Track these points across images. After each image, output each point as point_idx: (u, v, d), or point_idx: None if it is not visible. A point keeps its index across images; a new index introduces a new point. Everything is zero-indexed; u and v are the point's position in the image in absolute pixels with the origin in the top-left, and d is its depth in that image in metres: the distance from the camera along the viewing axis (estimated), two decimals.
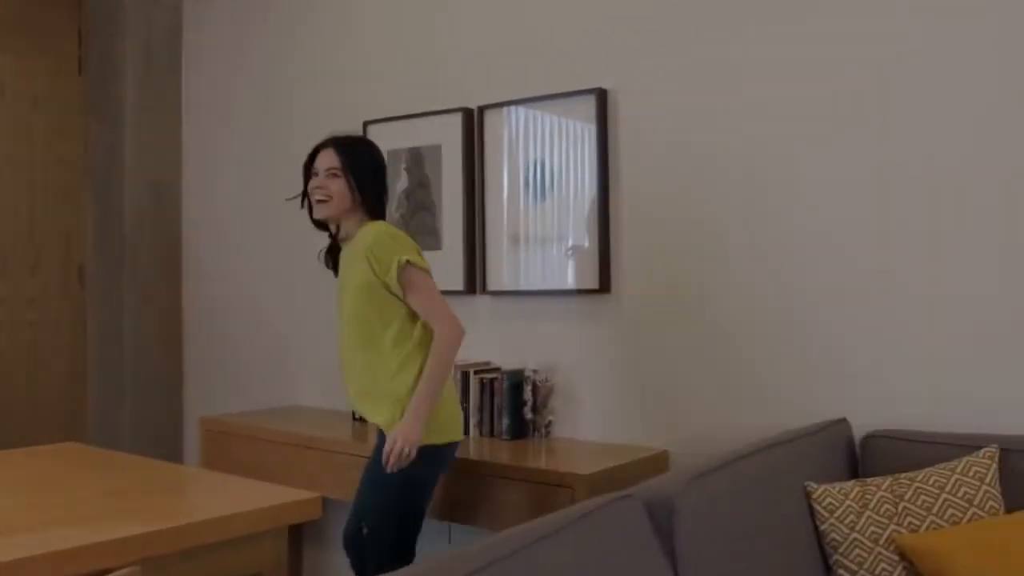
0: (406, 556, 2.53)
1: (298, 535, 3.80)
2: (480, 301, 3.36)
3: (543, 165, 3.18)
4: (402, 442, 2.39)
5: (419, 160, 3.50)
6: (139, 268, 4.21)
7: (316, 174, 2.62)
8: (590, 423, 3.08)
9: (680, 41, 2.90)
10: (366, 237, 2.52)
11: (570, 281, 3.11)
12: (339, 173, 2.58)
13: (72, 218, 4.31)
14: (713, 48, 2.84)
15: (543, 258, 3.18)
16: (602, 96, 3.05)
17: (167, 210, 4.32)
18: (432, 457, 2.49)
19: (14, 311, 4.13)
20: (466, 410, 3.16)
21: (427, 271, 2.54)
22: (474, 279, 3.35)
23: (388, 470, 2.41)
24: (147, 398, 4.21)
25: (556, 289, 3.14)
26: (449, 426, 2.54)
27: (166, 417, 4.26)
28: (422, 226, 3.49)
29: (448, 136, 3.41)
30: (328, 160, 2.60)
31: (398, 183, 3.55)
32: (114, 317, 4.23)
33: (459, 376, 3.17)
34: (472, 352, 3.31)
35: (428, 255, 3.40)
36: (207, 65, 4.30)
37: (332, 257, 2.76)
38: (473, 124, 3.36)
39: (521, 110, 3.23)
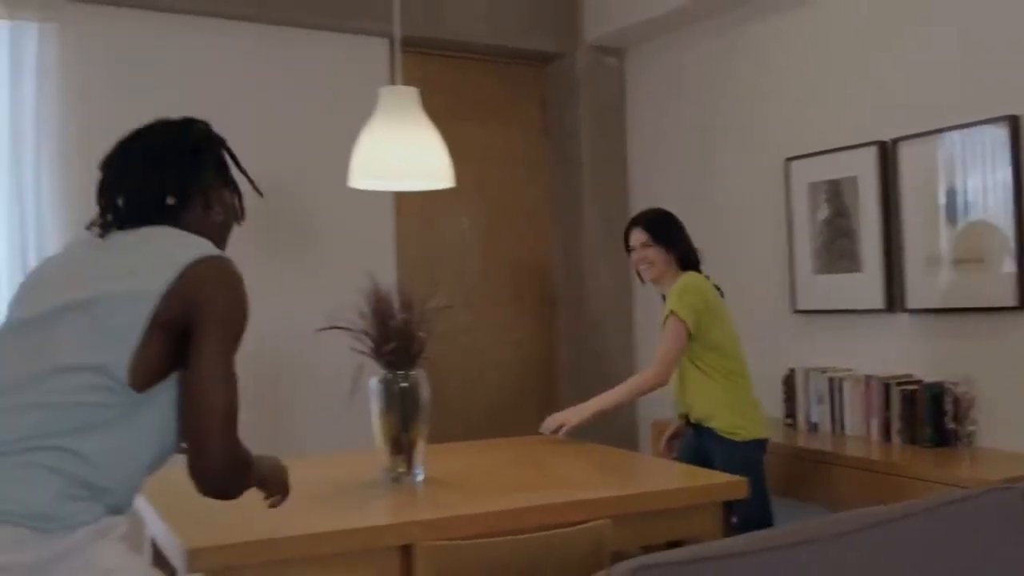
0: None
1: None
2: (899, 319, 3.61)
3: (955, 190, 3.38)
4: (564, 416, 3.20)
5: (837, 191, 3.84)
6: (598, 295, 4.97)
7: (633, 249, 3.32)
8: (1014, 435, 3.21)
9: None
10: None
11: (987, 300, 3.28)
12: (650, 243, 3.26)
13: (544, 252, 5.20)
14: None
15: (958, 279, 3.37)
16: (1014, 123, 3.20)
17: (619, 244, 5.04)
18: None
19: (503, 329, 5.07)
20: (887, 419, 3.44)
21: (685, 322, 3.09)
22: (892, 298, 3.62)
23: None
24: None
25: (971, 307, 3.32)
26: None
27: (624, 419, 4.97)
28: (842, 251, 3.82)
29: (864, 167, 3.72)
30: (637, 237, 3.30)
31: (818, 212, 3.92)
32: (578, 334, 5.03)
33: (883, 388, 3.45)
34: (892, 366, 3.57)
35: (847, 277, 3.75)
36: (646, 116, 4.97)
37: None
38: (887, 155, 3.64)
39: (933, 140, 3.45)
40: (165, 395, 1.67)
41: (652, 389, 3.17)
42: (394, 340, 2.65)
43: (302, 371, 4.36)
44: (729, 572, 1.62)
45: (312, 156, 4.46)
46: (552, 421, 3.25)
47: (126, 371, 1.60)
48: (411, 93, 3.12)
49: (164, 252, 1.69)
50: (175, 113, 1.95)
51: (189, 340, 1.65)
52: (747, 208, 4.32)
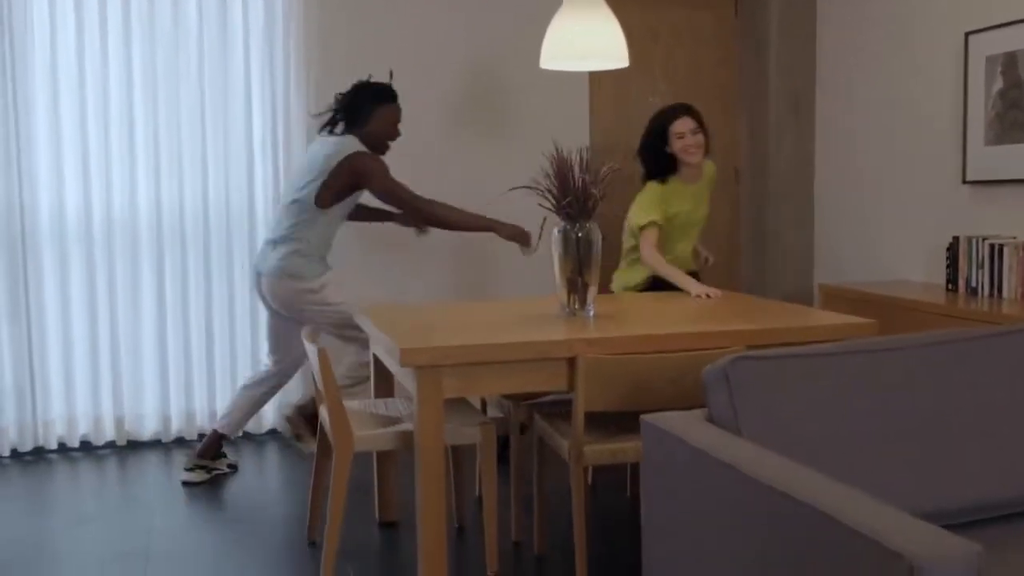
0: None
1: None
2: None
3: None
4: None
5: (1013, 62, 3.93)
6: (779, 170, 5.24)
7: (683, 136, 3.91)
8: None
9: None
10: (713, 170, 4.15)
11: None
12: (699, 131, 3.92)
13: (730, 131, 5.48)
14: None
15: None
16: None
17: (803, 120, 5.26)
18: None
19: None
20: None
21: None
22: None
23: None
24: (784, 271, 5.27)
25: None
26: None
27: (798, 285, 5.28)
28: (1013, 122, 3.93)
29: None
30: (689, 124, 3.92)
31: (994, 85, 4.02)
32: (759, 208, 5.33)
33: None
34: None
35: (1017, 148, 3.89)
36: None
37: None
38: None
39: None
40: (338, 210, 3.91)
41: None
42: (571, 195, 3.12)
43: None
44: (813, 366, 2.03)
45: (514, 42, 4.96)
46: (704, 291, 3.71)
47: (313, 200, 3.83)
48: None
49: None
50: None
51: (358, 187, 3.91)
52: (926, 82, 4.44)
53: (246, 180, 4.69)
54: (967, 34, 4.16)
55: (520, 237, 3.97)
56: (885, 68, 4.73)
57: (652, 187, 4.00)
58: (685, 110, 3.97)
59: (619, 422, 2.94)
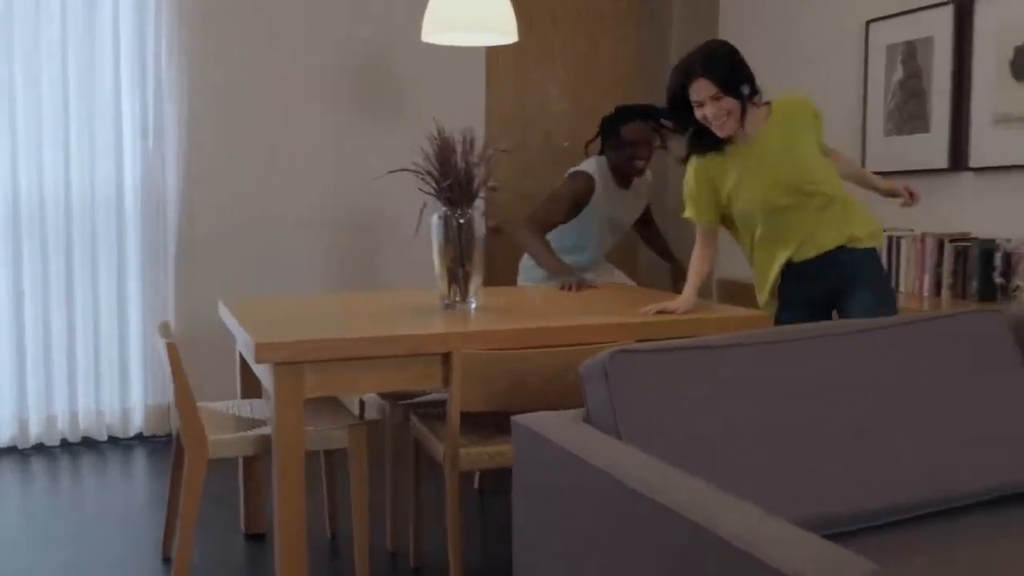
0: None
1: None
2: (962, 177, 3.65)
3: None
4: None
5: (913, 51, 3.84)
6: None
7: (701, 104, 2.74)
8: None
9: None
10: (793, 105, 2.86)
11: None
12: (721, 96, 2.72)
13: None
14: None
15: (1021, 136, 3.38)
16: None
17: None
18: None
19: None
20: (939, 275, 3.52)
21: None
22: (957, 157, 3.65)
23: None
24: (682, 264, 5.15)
25: None
26: None
27: None
28: (912, 112, 3.84)
29: (940, 27, 3.70)
30: (705, 89, 2.72)
31: (894, 75, 3.93)
32: (658, 195, 5.19)
33: (937, 245, 3.53)
34: (953, 225, 3.63)
35: (915, 138, 3.79)
36: None
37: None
38: (963, 14, 3.62)
39: None
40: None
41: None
42: (452, 179, 2.89)
43: (385, 212, 4.70)
44: (696, 360, 1.84)
45: (404, 16, 4.70)
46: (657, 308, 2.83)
47: None
48: None
49: None
50: None
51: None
52: (826, 71, 4.34)
53: (114, 167, 4.33)
54: (868, 22, 4.06)
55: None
56: (786, 54, 4.62)
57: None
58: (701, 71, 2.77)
59: (500, 422, 2.73)
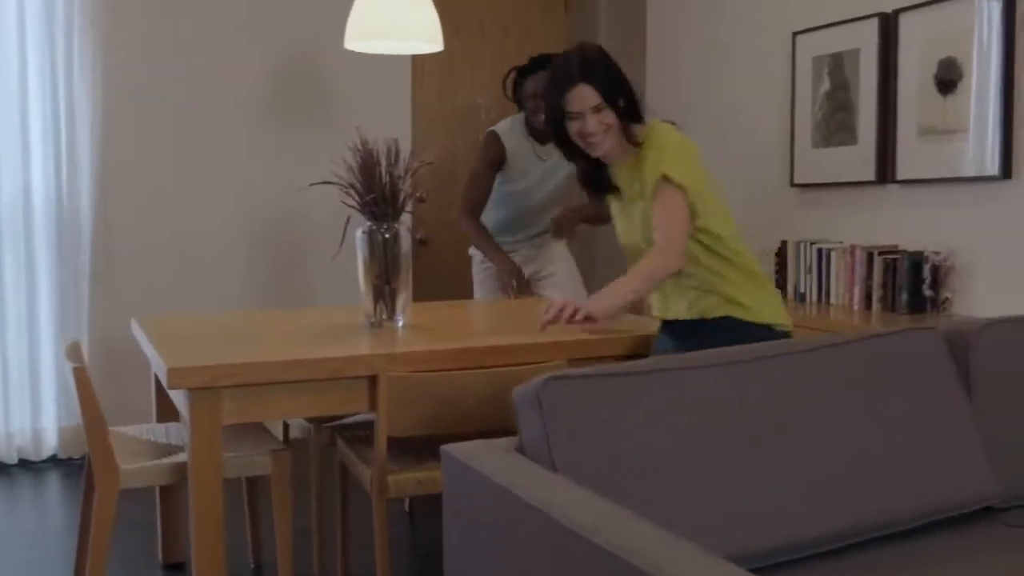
0: None
1: None
2: (889, 190, 3.67)
3: (949, 62, 3.39)
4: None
5: (839, 64, 3.85)
6: None
7: (578, 117, 2.40)
8: (987, 301, 3.30)
9: None
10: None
11: (973, 170, 3.31)
12: (602, 106, 2.39)
13: None
14: None
15: (948, 149, 3.41)
16: None
17: None
18: None
19: None
20: (869, 287, 3.53)
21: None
22: (884, 170, 3.67)
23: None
24: (603, 271, 5.10)
25: (957, 177, 3.37)
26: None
27: None
28: (840, 124, 3.85)
29: (866, 39, 3.72)
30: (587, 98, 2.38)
31: (821, 86, 3.94)
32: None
33: (866, 257, 3.54)
34: (881, 237, 3.65)
35: (843, 151, 3.79)
36: None
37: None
38: (888, 27, 3.64)
39: (932, 10, 3.44)
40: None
41: (668, 276, 2.41)
42: (376, 192, 2.79)
43: (308, 226, 4.58)
44: (631, 387, 1.77)
45: (328, 23, 4.58)
46: (562, 308, 2.43)
47: None
48: None
49: None
50: None
51: None
52: (754, 83, 4.34)
53: (22, 179, 4.12)
54: (794, 34, 4.07)
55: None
56: (713, 66, 4.61)
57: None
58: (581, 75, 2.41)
59: (430, 446, 2.63)
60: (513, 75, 3.69)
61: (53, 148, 4.14)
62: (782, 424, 1.84)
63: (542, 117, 3.17)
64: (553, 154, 3.54)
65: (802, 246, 3.85)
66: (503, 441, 1.87)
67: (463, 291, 4.20)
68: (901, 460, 1.90)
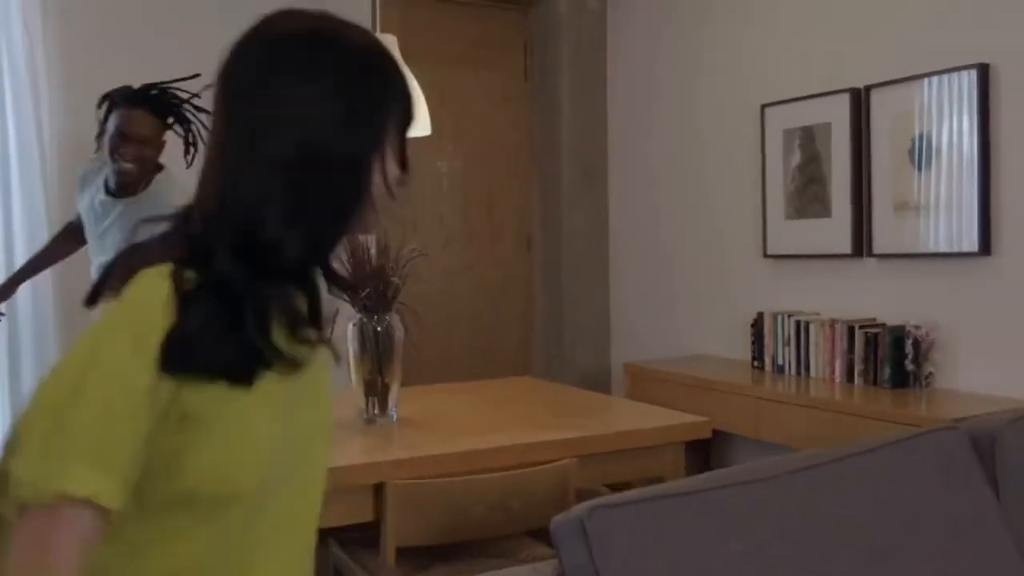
0: None
1: (706, 455, 4.30)
2: (866, 263, 3.69)
3: (924, 137, 3.44)
4: None
5: (811, 137, 3.89)
6: (574, 239, 5.04)
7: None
8: (970, 376, 3.32)
9: None
10: None
11: (952, 246, 3.35)
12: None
13: (522, 196, 5.24)
14: None
15: (925, 224, 3.44)
16: (984, 71, 3.24)
17: (597, 188, 5.10)
18: None
19: (481, 272, 5.14)
20: (850, 360, 3.54)
21: None
22: (860, 243, 3.69)
23: None
24: (580, 346, 5.05)
25: (935, 252, 3.40)
26: None
27: (596, 362, 5.06)
28: (813, 197, 3.88)
29: (837, 114, 3.76)
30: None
31: (792, 159, 3.97)
32: (553, 278, 5.10)
33: (847, 331, 3.55)
34: (858, 310, 3.66)
35: (816, 223, 3.81)
36: (627, 64, 4.98)
37: None
38: (860, 102, 3.68)
39: (904, 87, 3.50)
40: None
41: None
42: (369, 285, 2.70)
43: None
44: (687, 509, 1.71)
45: None
46: None
47: None
48: (390, 41, 3.14)
49: None
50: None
51: None
52: (722, 155, 4.37)
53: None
54: (763, 106, 4.10)
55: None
56: (678, 138, 4.63)
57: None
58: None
59: (435, 551, 2.52)
60: None
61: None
62: (824, 539, 1.79)
63: (124, 166, 2.93)
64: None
65: (779, 318, 3.85)
66: (542, 566, 1.78)
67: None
68: (945, 566, 1.87)
